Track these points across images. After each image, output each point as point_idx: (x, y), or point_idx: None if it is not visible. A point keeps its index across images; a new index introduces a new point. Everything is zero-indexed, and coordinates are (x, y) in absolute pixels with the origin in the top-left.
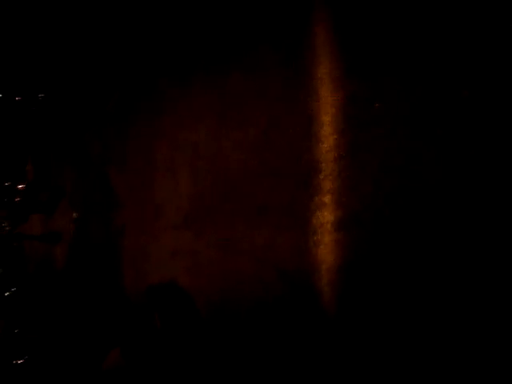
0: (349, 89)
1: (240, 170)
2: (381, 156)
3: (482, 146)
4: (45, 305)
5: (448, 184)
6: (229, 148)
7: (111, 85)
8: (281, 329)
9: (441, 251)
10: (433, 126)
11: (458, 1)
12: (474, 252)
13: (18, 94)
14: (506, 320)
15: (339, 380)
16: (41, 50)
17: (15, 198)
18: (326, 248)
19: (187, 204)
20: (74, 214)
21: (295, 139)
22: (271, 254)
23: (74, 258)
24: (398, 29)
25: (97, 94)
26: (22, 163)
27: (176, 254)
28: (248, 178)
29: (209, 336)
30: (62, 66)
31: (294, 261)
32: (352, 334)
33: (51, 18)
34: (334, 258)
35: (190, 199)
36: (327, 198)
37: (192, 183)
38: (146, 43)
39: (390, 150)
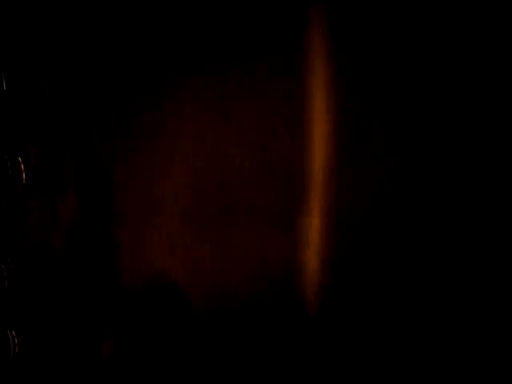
0: (342, 99)
1: (237, 173)
2: (373, 160)
3: (473, 151)
4: (40, 294)
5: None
6: (226, 153)
7: (114, 83)
8: (272, 325)
9: (430, 250)
10: (425, 129)
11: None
12: (466, 252)
13: (21, 87)
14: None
15: (325, 378)
16: (45, 47)
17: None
18: (316, 249)
19: (185, 202)
20: (73, 200)
21: (290, 146)
22: (264, 254)
23: (72, 245)
24: (392, 44)
25: (100, 90)
26: (24, 151)
27: (172, 250)
28: (244, 181)
29: (200, 330)
30: (65, 63)
31: (286, 260)
32: (341, 329)
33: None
34: (324, 258)
35: (188, 198)
36: (317, 203)
37: (191, 183)
38: (147, 49)
39: (382, 153)
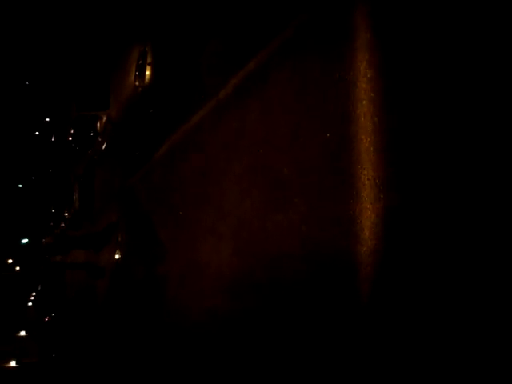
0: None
1: (280, 245)
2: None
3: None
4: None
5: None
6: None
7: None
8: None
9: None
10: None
11: None
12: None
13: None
14: None
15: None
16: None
17: (60, 224)
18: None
19: (227, 272)
20: (118, 252)
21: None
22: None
23: (114, 291)
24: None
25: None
26: (69, 192)
27: (214, 319)
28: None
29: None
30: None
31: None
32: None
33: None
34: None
35: (229, 267)
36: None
37: (232, 250)
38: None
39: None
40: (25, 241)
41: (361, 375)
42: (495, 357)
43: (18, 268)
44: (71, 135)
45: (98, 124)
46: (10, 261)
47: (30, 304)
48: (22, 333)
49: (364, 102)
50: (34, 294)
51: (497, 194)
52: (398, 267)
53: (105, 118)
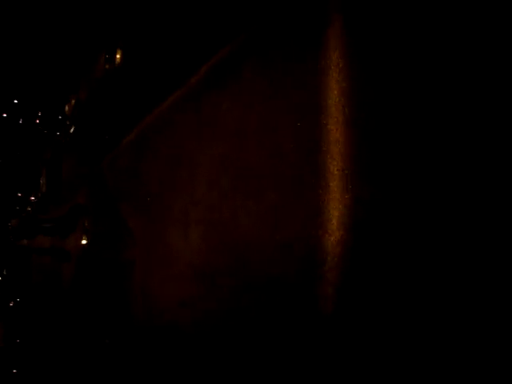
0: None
1: (250, 235)
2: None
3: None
4: (47, 314)
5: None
6: (242, 212)
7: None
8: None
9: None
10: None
11: None
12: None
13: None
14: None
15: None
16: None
17: (27, 208)
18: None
19: (196, 259)
20: (84, 237)
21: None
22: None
23: (81, 277)
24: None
25: (114, 126)
26: (36, 176)
27: (182, 305)
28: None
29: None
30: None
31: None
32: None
33: None
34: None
35: (199, 254)
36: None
37: (202, 237)
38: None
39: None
40: None
41: (334, 366)
42: (480, 354)
43: None
44: (39, 118)
45: (67, 107)
46: None
47: None
48: None
49: (335, 91)
50: None
51: (463, 186)
52: (364, 258)
53: (73, 101)
